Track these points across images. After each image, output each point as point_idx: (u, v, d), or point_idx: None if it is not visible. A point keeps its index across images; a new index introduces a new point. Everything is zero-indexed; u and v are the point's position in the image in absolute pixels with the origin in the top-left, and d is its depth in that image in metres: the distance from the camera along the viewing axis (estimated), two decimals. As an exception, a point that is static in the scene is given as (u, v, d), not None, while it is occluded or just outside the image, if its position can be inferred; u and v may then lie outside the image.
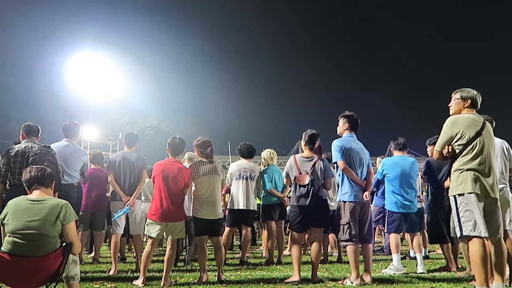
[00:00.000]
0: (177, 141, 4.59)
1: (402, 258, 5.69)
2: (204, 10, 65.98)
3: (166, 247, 4.43)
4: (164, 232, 4.37)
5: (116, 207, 5.16)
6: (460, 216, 3.40)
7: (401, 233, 5.35)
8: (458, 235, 3.47)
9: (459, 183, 3.46)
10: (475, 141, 3.46)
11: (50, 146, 4.56)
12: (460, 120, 3.58)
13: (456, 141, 3.52)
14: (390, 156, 5.74)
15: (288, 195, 6.58)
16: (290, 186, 5.11)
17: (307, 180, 4.41)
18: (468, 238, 3.37)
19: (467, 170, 3.44)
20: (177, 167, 4.41)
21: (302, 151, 4.76)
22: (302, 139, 4.69)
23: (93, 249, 6.59)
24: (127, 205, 5.01)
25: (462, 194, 3.42)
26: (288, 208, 6.55)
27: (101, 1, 56.49)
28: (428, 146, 5.56)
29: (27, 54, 37.15)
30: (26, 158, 4.28)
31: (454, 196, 3.48)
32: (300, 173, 4.46)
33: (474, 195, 3.37)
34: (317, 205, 4.45)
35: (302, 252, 5.73)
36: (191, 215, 4.66)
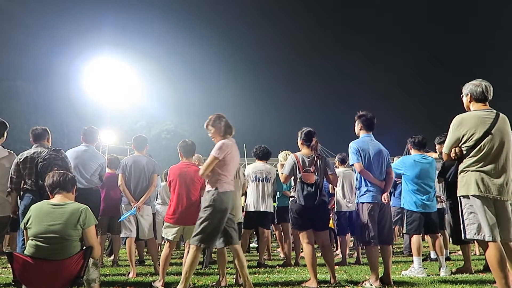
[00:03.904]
0: (189, 142, 4.65)
1: (422, 260, 5.58)
2: (219, 14, 66.28)
3: (183, 250, 4.45)
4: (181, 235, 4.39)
5: (124, 211, 5.17)
6: (465, 218, 3.31)
7: (422, 234, 5.22)
8: (463, 237, 3.37)
9: (463, 184, 3.35)
10: (483, 142, 3.27)
11: (60, 150, 4.45)
12: (466, 119, 3.37)
13: (464, 143, 3.35)
14: (408, 154, 5.62)
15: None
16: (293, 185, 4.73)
17: (314, 178, 4.32)
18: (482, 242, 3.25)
19: (472, 171, 3.30)
20: (194, 170, 4.44)
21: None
22: (299, 138, 4.55)
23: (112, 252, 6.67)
24: (134, 207, 5.04)
25: (467, 196, 3.31)
26: None
27: (117, 7, 57.39)
28: (436, 145, 5.44)
29: (46, 60, 38.17)
30: (35, 164, 4.20)
31: (459, 198, 3.39)
32: (305, 171, 4.35)
33: (479, 198, 3.24)
34: (322, 205, 4.38)
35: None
36: None
